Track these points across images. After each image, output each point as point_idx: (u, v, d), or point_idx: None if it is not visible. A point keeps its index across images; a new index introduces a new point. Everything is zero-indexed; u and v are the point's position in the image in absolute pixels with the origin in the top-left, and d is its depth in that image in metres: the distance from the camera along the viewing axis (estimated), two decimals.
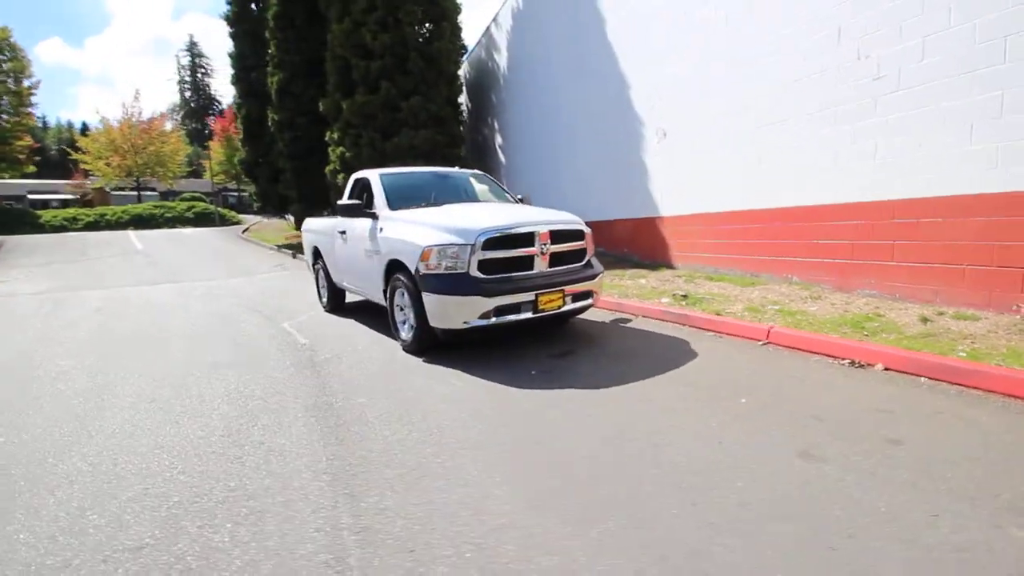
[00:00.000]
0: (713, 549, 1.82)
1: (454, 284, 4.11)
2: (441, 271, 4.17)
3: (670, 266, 7.94)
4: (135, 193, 35.15)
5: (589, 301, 4.74)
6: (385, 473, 2.47)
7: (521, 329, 4.26)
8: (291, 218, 18.55)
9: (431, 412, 3.21)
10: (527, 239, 4.34)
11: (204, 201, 32.87)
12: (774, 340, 4.25)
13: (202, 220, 29.90)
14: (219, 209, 31.26)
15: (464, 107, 15.45)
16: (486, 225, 4.21)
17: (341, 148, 13.21)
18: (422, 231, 4.37)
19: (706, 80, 6.97)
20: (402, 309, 4.78)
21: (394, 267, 4.74)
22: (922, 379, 3.28)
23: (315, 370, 4.26)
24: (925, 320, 4.24)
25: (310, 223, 7.44)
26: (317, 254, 7.11)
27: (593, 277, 4.70)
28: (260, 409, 3.40)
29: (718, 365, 3.87)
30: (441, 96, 13.58)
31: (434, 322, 4.24)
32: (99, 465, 2.68)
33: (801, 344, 4.05)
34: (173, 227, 28.16)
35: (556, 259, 4.51)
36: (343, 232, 5.83)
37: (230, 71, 18.65)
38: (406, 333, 4.68)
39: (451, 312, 4.12)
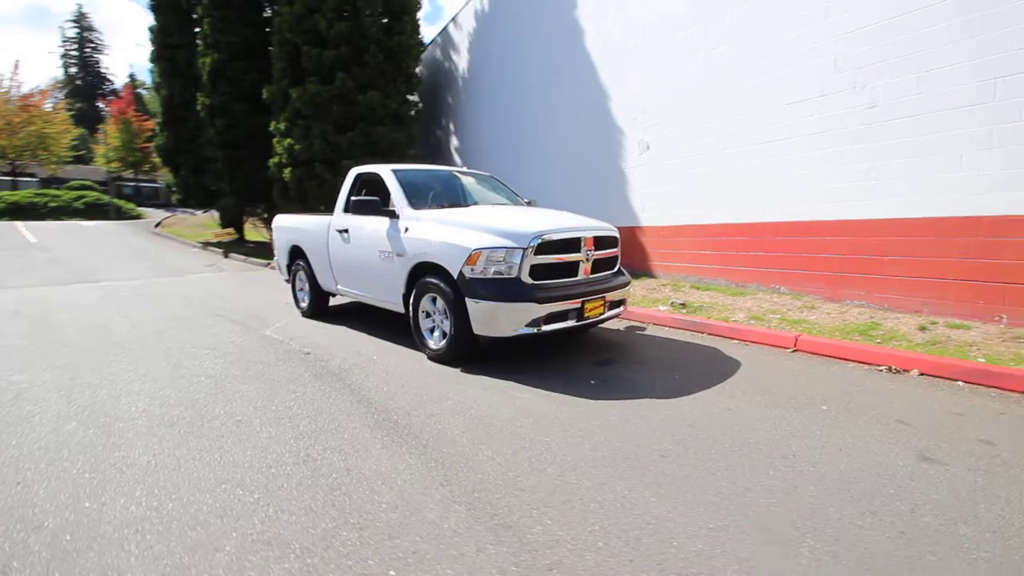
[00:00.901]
0: (925, 560, 1.81)
1: (505, 290, 3.90)
2: (489, 276, 3.93)
3: (651, 275, 8.15)
4: (9, 179, 30.41)
5: (621, 309, 4.71)
6: (523, 498, 2.24)
7: (536, 338, 4.11)
8: (216, 214, 16.88)
9: (518, 427, 2.99)
10: (575, 244, 4.22)
11: (96, 190, 29.12)
12: (802, 348, 4.46)
13: (94, 212, 26.50)
14: (115, 200, 27.84)
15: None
16: (538, 229, 4.03)
17: (289, 140, 12.26)
18: (465, 233, 4.10)
19: (695, 98, 7.25)
20: (428, 316, 4.47)
21: (422, 270, 4.41)
22: (959, 383, 3.58)
23: (342, 383, 3.84)
24: (923, 328, 4.66)
25: (287, 220, 6.78)
26: (296, 254, 6.50)
27: (626, 284, 4.68)
28: (316, 430, 2.98)
29: (769, 373, 3.97)
30: (400, 93, 13.07)
31: (480, 330, 3.99)
32: (160, 508, 2.18)
33: (831, 351, 4.28)
34: (59, 218, 24.69)
35: (595, 266, 4.44)
36: (343, 231, 5.36)
37: (132, 47, 16.70)
38: (435, 342, 4.37)
39: (501, 319, 3.90)
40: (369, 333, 5.41)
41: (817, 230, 5.93)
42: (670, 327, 5.48)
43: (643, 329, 5.47)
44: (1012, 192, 4.47)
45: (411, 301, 4.53)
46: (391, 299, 4.86)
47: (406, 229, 4.54)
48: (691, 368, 4.09)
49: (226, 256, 13.87)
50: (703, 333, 5.19)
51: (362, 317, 6.22)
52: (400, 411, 3.27)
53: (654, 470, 2.47)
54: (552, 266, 4.10)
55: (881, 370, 3.91)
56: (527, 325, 3.91)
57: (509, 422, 3.07)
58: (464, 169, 5.96)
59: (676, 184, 7.70)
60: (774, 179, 6.33)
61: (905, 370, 3.83)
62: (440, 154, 15.07)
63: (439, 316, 4.37)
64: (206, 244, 15.31)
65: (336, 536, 1.98)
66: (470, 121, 13.70)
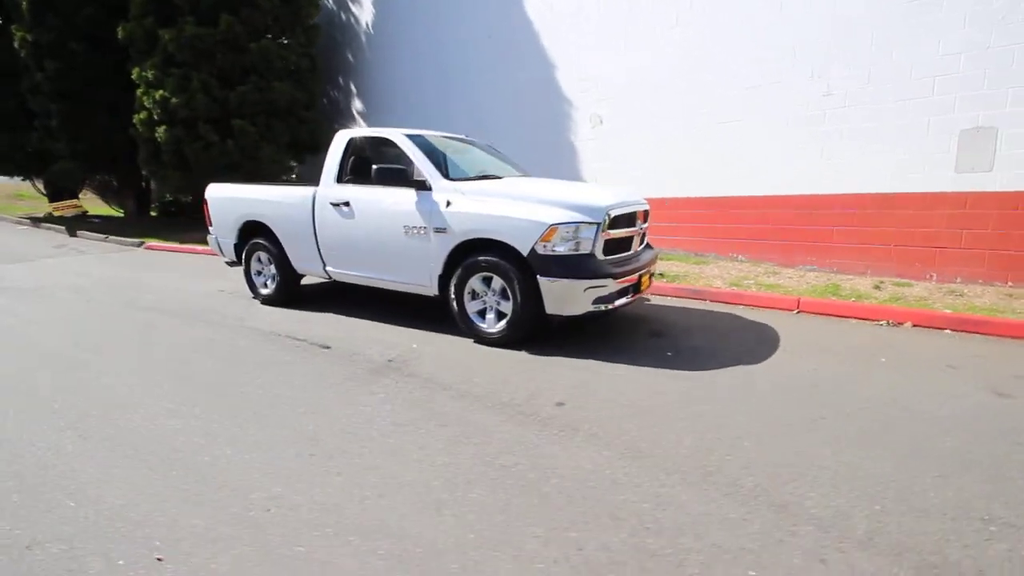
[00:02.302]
0: None
1: (581, 266, 3.77)
2: (564, 252, 3.76)
3: None
4: None
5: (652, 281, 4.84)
6: (770, 474, 2.24)
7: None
8: (40, 184, 13.40)
9: (664, 405, 2.95)
10: (633, 218, 4.21)
11: None
12: (804, 309, 5.03)
13: None
14: None
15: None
16: (607, 202, 3.93)
17: (161, 91, 10.13)
18: (533, 207, 3.83)
19: (653, 75, 7.54)
20: (475, 297, 4.13)
21: (468, 248, 4.05)
22: (946, 331, 4.36)
23: (413, 379, 3.41)
24: (878, 287, 5.55)
25: (232, 190, 5.68)
26: (250, 232, 5.50)
27: (656, 258, 4.81)
28: (482, 451, 2.63)
29: (803, 333, 4.39)
30: (300, 45, 11.53)
31: (553, 309, 3.81)
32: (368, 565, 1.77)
33: (831, 311, 4.90)
34: None
35: (640, 239, 4.49)
36: (341, 204, 4.65)
37: None
38: (490, 324, 4.08)
39: (578, 297, 3.76)
40: (372, 318, 4.84)
41: (774, 203, 6.64)
42: (671, 296, 5.77)
43: (648, 300, 5.69)
44: (940, 171, 5.47)
45: (453, 282, 4.15)
46: (418, 280, 4.38)
47: (447, 203, 4.09)
48: (737, 334, 4.38)
49: (73, 235, 11.20)
50: (704, 300, 5.57)
51: (341, 300, 5.52)
52: (519, 404, 3.01)
53: (833, 431, 2.64)
54: (616, 240, 4.05)
55: (881, 324, 4.59)
56: (597, 301, 3.83)
57: (647, 401, 3.02)
58: (463, 136, 5.51)
59: (631, 159, 8.00)
60: (732, 156, 6.91)
61: (900, 323, 4.55)
62: (339, 117, 13.69)
63: (493, 297, 4.07)
64: (36, 220, 12.13)
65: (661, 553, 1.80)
66: (379, 82, 12.59)
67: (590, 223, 3.79)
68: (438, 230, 4.14)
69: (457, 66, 10.49)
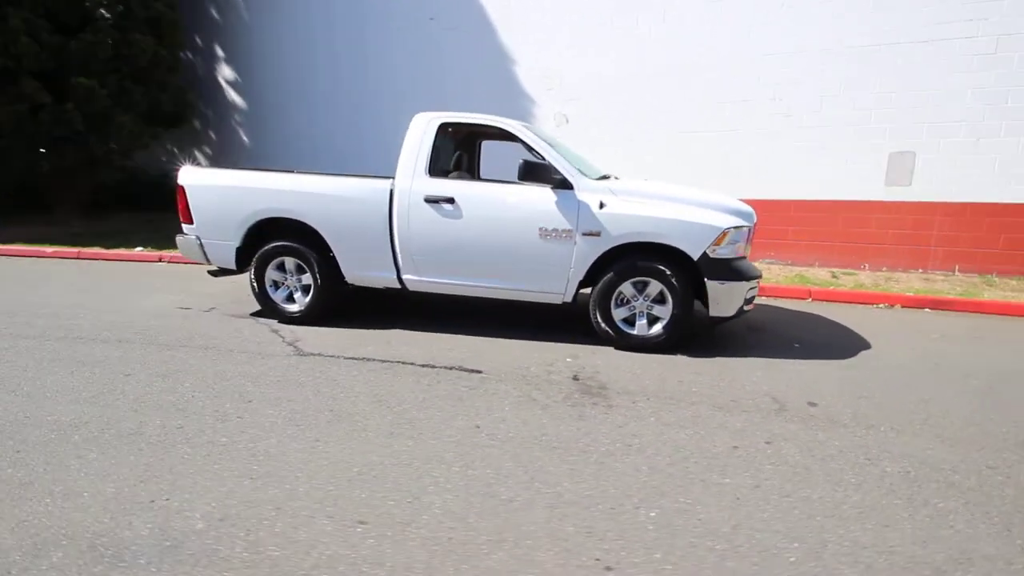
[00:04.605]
0: None
1: (741, 269, 3.91)
2: (727, 256, 3.84)
3: None
4: None
5: None
6: None
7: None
8: None
9: (899, 393, 3.26)
10: None
11: None
12: (816, 297, 5.91)
13: None
14: None
15: None
16: (749, 207, 4.09)
17: None
18: (699, 211, 3.81)
19: (623, 81, 7.89)
20: (623, 303, 3.93)
21: (619, 253, 3.83)
22: (925, 310, 5.58)
23: (629, 397, 3.17)
24: (834, 276, 6.80)
25: (243, 177, 4.36)
26: (267, 233, 4.29)
27: None
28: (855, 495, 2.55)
29: (842, 321, 5.16)
30: None
31: (716, 311, 3.85)
32: None
33: (837, 298, 5.85)
34: None
35: None
36: (441, 201, 3.95)
37: None
38: (642, 330, 3.92)
39: (738, 299, 3.88)
40: (465, 331, 4.24)
41: None
42: None
43: None
44: (873, 184, 6.93)
45: (599, 288, 3.88)
46: (550, 288, 3.99)
47: (600, 204, 3.79)
48: (808, 323, 4.96)
49: None
50: None
51: (383, 312, 4.67)
52: (773, 407, 3.03)
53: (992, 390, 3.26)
54: None
55: (880, 307, 5.67)
56: (746, 303, 4.00)
57: (864, 387, 3.30)
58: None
59: (597, 161, 8.27)
60: (700, 163, 7.67)
61: (892, 305, 5.68)
62: (201, 86, 11.19)
63: (643, 302, 3.92)
64: None
65: None
66: (263, 48, 10.66)
67: (747, 227, 3.93)
68: (588, 233, 3.81)
69: (380, 46, 9.46)
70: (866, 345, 4.28)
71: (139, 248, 7.51)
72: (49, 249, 7.36)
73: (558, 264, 3.90)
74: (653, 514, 2.03)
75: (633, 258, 3.83)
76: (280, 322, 4.41)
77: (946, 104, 6.43)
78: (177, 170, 4.46)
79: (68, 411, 2.76)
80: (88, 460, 2.30)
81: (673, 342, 3.91)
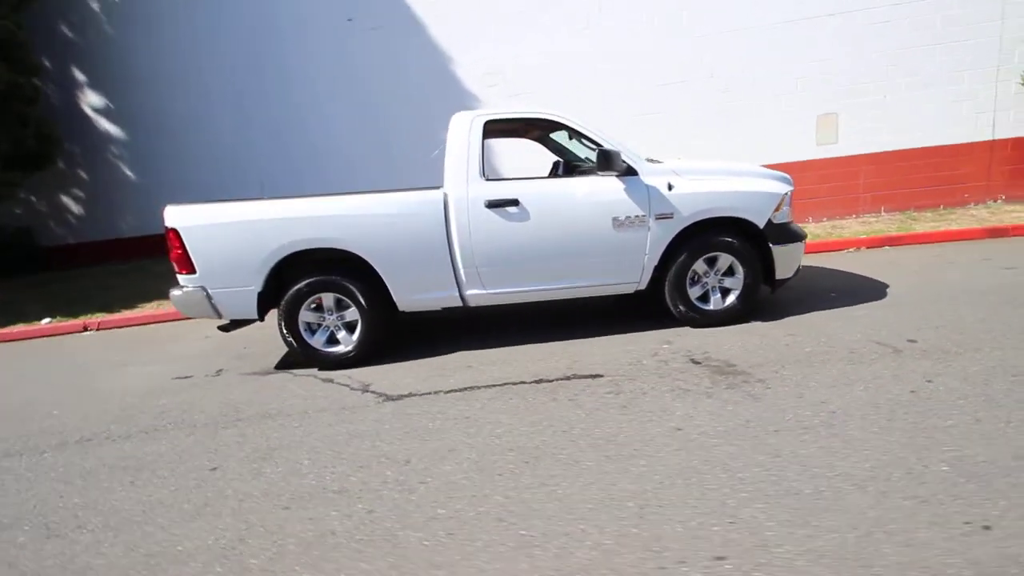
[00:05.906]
0: None
1: (795, 231, 4.13)
2: (783, 220, 4.04)
3: None
4: None
5: None
6: None
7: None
8: None
9: (980, 334, 3.62)
10: None
11: None
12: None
13: None
14: None
15: None
16: (784, 173, 4.30)
17: None
18: (754, 180, 3.96)
19: (568, 69, 7.96)
20: (695, 281, 3.96)
21: (692, 231, 3.85)
22: (886, 248, 6.34)
23: (791, 376, 3.21)
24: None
25: (257, 210, 3.66)
26: (289, 272, 3.69)
27: None
28: None
29: (859, 265, 5.67)
30: (7, 5, 7.43)
31: (781, 274, 4.02)
32: None
33: (810, 250, 6.43)
34: None
35: None
36: (504, 204, 3.66)
37: None
38: (717, 304, 3.98)
39: (796, 259, 4.10)
40: (542, 339, 4.00)
41: None
42: None
43: None
44: (807, 145, 7.72)
45: (674, 269, 3.87)
46: (628, 277, 3.90)
47: (669, 186, 3.76)
48: (826, 274, 5.37)
49: None
50: None
51: (439, 334, 4.27)
52: (909, 349, 3.24)
53: None
54: None
55: (850, 251, 6.33)
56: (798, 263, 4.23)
57: (956, 331, 3.64)
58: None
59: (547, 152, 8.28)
60: (652, 143, 8.00)
61: (858, 248, 6.38)
62: (55, 118, 9.32)
63: (715, 277, 3.98)
64: None
65: None
66: (137, 68, 9.26)
67: (791, 191, 4.13)
68: (661, 216, 3.76)
69: (297, 53, 8.61)
70: (884, 284, 4.74)
71: (46, 320, 6.06)
72: None
73: (634, 252, 3.81)
74: (983, 460, 2.04)
75: (704, 236, 3.86)
76: (322, 369, 3.81)
77: (857, 68, 7.36)
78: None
79: (188, 533, 2.12)
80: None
81: (747, 311, 4.02)
